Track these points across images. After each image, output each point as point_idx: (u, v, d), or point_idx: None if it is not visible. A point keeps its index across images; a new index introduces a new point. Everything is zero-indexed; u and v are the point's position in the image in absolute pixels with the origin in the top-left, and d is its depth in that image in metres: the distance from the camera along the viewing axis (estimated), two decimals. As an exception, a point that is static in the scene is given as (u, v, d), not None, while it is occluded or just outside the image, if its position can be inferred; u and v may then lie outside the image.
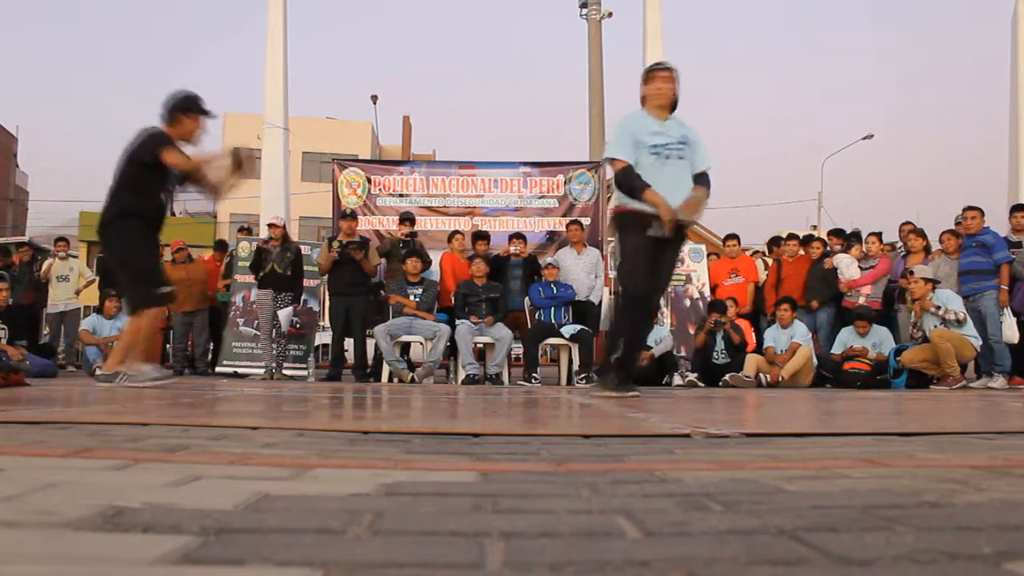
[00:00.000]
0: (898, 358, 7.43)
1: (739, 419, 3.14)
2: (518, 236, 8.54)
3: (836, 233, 9.31)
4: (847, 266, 8.39)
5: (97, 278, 10.07)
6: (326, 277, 8.50)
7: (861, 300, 8.15)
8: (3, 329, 7.68)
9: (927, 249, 8.27)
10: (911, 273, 7.50)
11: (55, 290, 10.07)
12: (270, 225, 8.50)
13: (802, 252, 8.84)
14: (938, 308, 7.08)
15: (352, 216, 8.69)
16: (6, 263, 10.00)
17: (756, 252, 10.38)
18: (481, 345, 7.92)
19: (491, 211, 9.91)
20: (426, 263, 8.24)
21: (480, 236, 8.57)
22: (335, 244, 8.17)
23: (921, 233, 8.37)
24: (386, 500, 1.09)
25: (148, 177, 4.83)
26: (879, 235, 8.65)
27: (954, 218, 8.65)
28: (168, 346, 9.63)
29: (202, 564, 0.74)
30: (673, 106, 4.76)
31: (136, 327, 4.96)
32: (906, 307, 7.82)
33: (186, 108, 4.95)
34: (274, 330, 8.27)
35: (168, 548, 0.78)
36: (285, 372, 8.40)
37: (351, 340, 8.42)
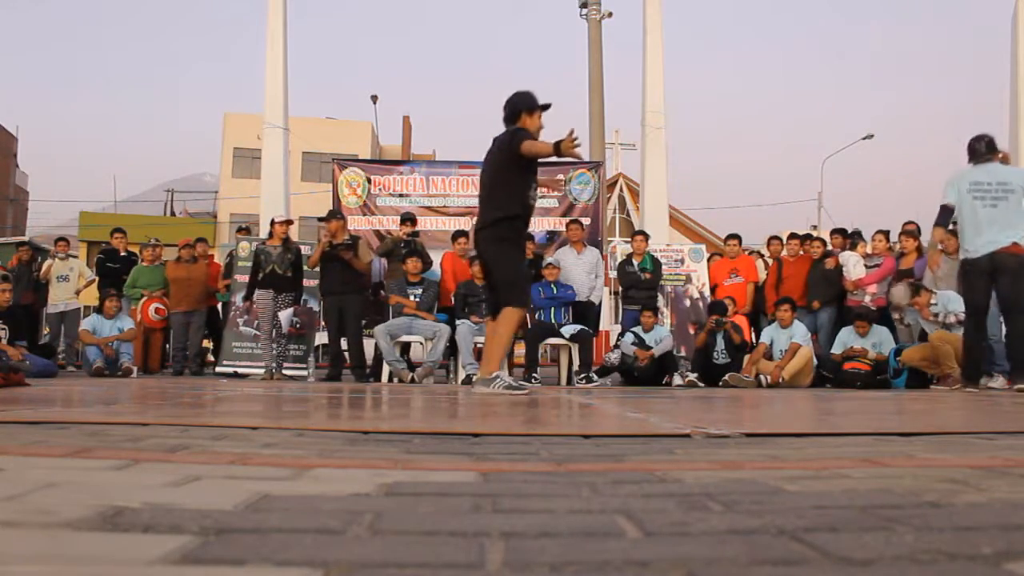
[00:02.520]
0: (898, 358, 7.43)
1: (739, 419, 3.14)
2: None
3: (839, 232, 9.30)
4: (853, 265, 8.38)
5: (97, 278, 10.07)
6: (319, 276, 8.46)
7: (867, 299, 8.14)
8: (4, 329, 7.68)
9: (919, 250, 8.26)
10: (908, 275, 7.49)
11: (55, 290, 10.07)
12: (278, 223, 8.42)
13: (802, 252, 8.84)
14: (936, 316, 7.06)
15: (335, 216, 8.35)
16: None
17: (755, 252, 10.38)
18: (481, 345, 7.91)
19: (491, 211, 9.90)
20: (427, 263, 8.24)
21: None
22: (324, 244, 8.10)
23: (913, 234, 8.35)
24: (386, 500, 1.09)
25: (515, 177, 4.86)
26: (886, 233, 8.61)
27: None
28: (167, 346, 9.62)
29: (202, 564, 0.74)
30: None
31: (501, 330, 4.84)
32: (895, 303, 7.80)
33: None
34: (274, 330, 8.27)
35: (168, 548, 0.78)
36: (285, 372, 8.40)
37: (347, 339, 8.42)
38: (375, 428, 2.23)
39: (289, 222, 8.45)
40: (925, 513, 1.02)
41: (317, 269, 8.59)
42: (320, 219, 8.53)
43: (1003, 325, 7.28)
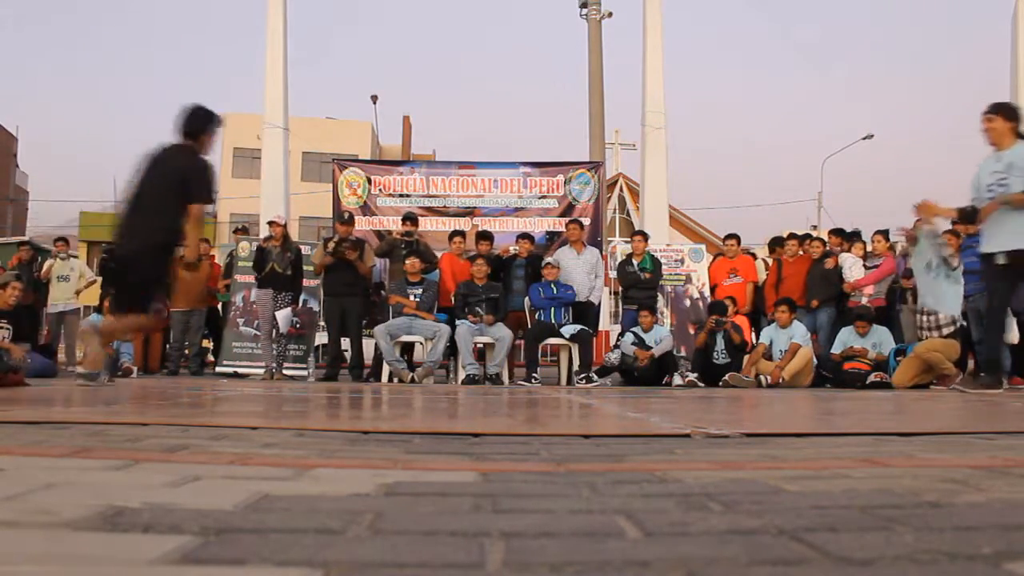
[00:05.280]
0: (897, 357, 7.43)
1: (739, 419, 3.14)
2: (525, 236, 8.57)
3: (837, 232, 9.30)
4: (850, 267, 8.38)
5: (99, 279, 10.07)
6: (323, 277, 8.49)
7: (864, 300, 8.14)
8: (8, 329, 7.68)
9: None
10: (912, 275, 7.47)
11: (55, 290, 10.06)
12: (271, 223, 8.49)
13: (801, 252, 8.83)
14: (937, 236, 6.89)
15: (350, 220, 8.60)
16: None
17: (751, 253, 10.35)
18: (481, 345, 7.92)
19: (491, 211, 9.91)
20: (431, 264, 8.25)
21: (483, 236, 8.57)
22: (329, 245, 8.15)
23: None
24: (386, 500, 1.09)
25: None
26: (885, 233, 8.60)
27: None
28: (168, 346, 9.62)
29: (202, 564, 0.74)
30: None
31: None
32: (907, 307, 7.80)
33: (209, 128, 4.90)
34: (274, 330, 8.27)
35: (168, 548, 0.78)
36: (285, 372, 8.40)
37: (349, 340, 8.43)
38: (375, 428, 2.23)
39: (274, 224, 8.45)
40: (925, 513, 1.02)
41: (313, 267, 8.61)
42: (340, 222, 8.62)
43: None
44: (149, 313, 4.90)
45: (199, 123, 4.81)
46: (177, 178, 4.62)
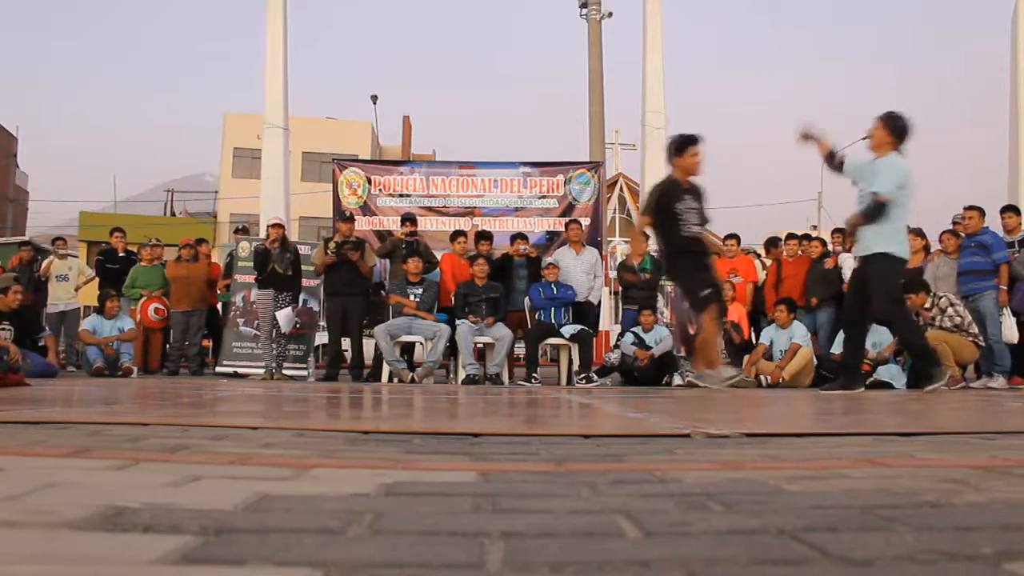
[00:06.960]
0: (898, 358, 7.42)
1: (739, 419, 3.14)
2: (521, 236, 8.56)
3: (839, 232, 9.29)
4: (849, 267, 8.38)
5: (97, 277, 10.07)
6: (323, 277, 8.51)
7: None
8: (9, 331, 7.68)
9: (927, 248, 8.26)
10: (915, 274, 7.47)
11: (54, 289, 10.06)
12: (270, 226, 8.49)
13: (801, 252, 8.83)
14: (944, 310, 7.06)
15: (351, 219, 8.71)
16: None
17: (751, 252, 10.34)
18: (481, 345, 7.92)
19: (491, 211, 9.91)
20: (432, 264, 8.25)
21: (483, 236, 8.57)
22: (331, 245, 8.17)
23: (919, 233, 8.35)
24: (386, 500, 1.09)
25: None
26: None
27: (952, 217, 8.63)
28: (168, 346, 9.62)
29: (202, 564, 0.74)
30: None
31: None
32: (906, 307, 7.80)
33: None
34: (274, 330, 8.27)
35: (168, 548, 0.78)
36: (285, 372, 8.40)
37: (349, 340, 8.43)
38: (375, 428, 2.23)
39: (276, 226, 8.47)
40: (925, 513, 1.02)
41: (314, 268, 8.62)
42: (342, 220, 8.65)
43: (1003, 326, 7.29)
44: (700, 309, 5.73)
45: (668, 151, 5.58)
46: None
